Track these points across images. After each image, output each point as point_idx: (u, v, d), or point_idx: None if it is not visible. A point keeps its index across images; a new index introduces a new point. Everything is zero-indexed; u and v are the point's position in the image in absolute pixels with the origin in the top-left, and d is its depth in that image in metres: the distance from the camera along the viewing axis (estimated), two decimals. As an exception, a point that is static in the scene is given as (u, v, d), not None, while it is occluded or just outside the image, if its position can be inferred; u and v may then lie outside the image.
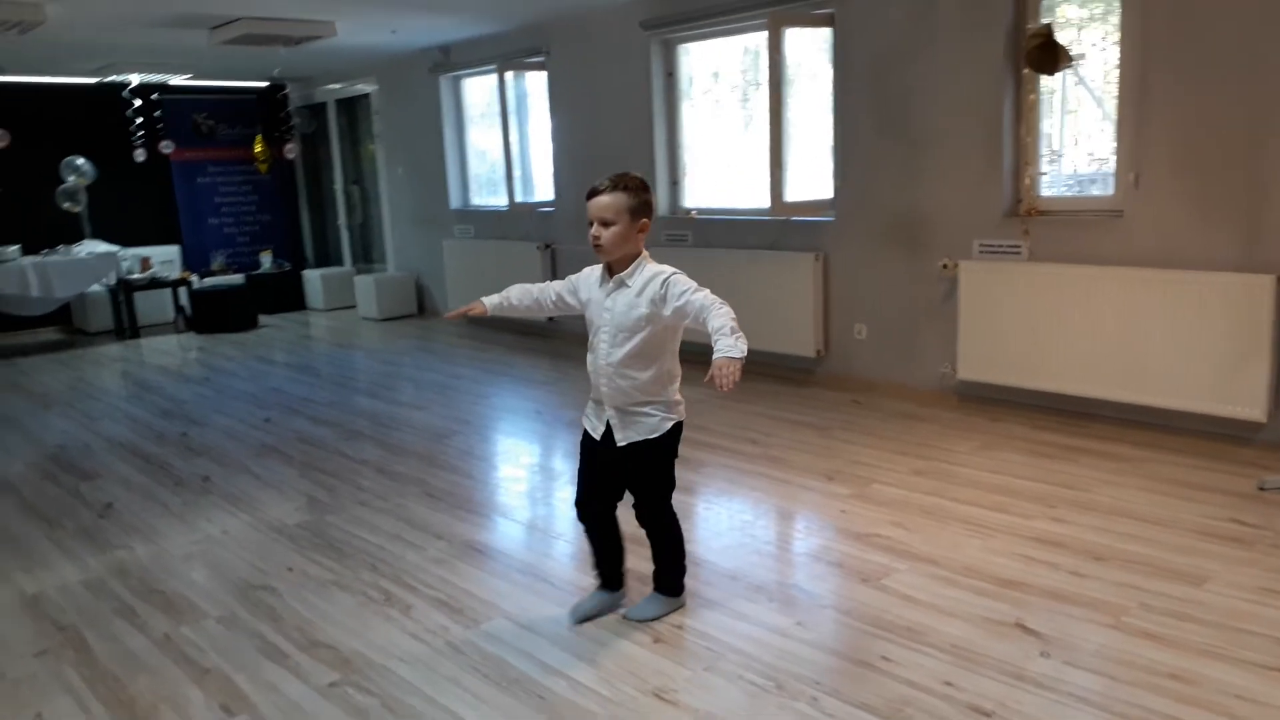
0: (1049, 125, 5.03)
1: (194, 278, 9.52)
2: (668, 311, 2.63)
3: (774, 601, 3.05)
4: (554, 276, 7.78)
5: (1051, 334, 4.78)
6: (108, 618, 3.17)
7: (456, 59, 8.46)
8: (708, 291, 2.60)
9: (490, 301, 2.93)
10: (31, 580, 3.50)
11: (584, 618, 2.94)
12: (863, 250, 5.66)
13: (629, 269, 2.70)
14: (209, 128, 10.40)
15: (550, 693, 2.59)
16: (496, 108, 7.98)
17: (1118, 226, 4.62)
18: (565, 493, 4.29)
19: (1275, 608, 2.85)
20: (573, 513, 4.08)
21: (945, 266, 5.21)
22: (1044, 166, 5.03)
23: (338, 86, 10.18)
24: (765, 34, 5.77)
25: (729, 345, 2.45)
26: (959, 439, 4.65)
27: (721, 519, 3.82)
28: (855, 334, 5.80)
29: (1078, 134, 4.98)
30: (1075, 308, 4.68)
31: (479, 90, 8.74)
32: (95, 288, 9.05)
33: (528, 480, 4.55)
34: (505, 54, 7.81)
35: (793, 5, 5.76)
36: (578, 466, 2.94)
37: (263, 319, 9.70)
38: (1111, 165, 4.75)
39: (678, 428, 2.80)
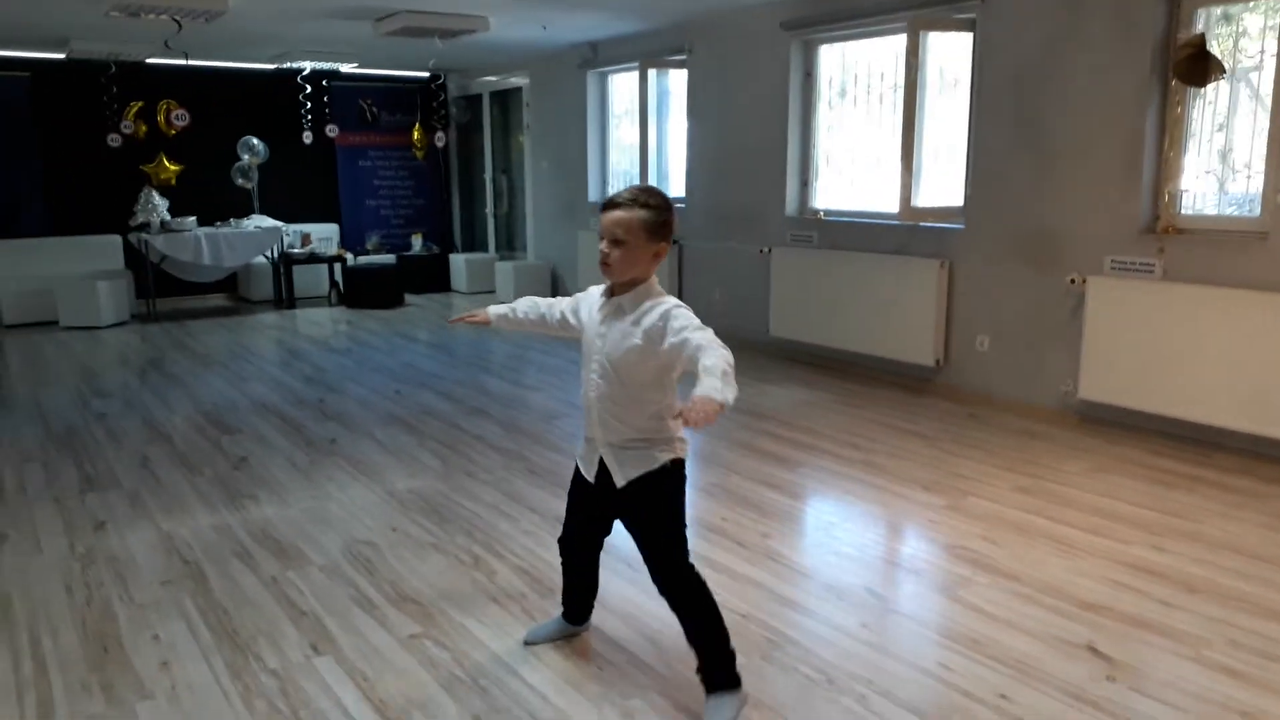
0: (1196, 142, 4.79)
1: (349, 255, 10.11)
2: (664, 346, 2.29)
3: (844, 602, 3.07)
4: (680, 274, 7.91)
5: (1180, 357, 4.57)
6: (226, 558, 3.47)
7: (603, 55, 8.68)
8: (711, 332, 2.25)
9: (495, 312, 2.80)
10: (168, 518, 3.87)
11: (537, 641, 2.84)
12: (990, 260, 5.53)
13: (631, 294, 2.40)
14: (373, 114, 11.00)
15: (609, 664, 2.70)
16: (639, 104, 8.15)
17: (1261, 248, 4.38)
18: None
19: (1378, 658, 2.68)
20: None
21: (1074, 282, 5.04)
22: (1186, 183, 4.79)
23: (493, 79, 10.59)
24: (905, 37, 5.72)
25: (714, 387, 2.05)
26: (1070, 459, 4.51)
27: (806, 518, 3.84)
28: (977, 345, 5.67)
29: (1227, 150, 4.73)
30: (1208, 331, 4.46)
31: (624, 86, 8.94)
32: (259, 259, 9.74)
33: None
34: (648, 51, 7.97)
35: (934, 9, 5.68)
36: (567, 503, 2.74)
37: (409, 298, 10.22)
38: (1259, 185, 4.50)
39: (680, 465, 2.48)
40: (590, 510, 2.64)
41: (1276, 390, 4.24)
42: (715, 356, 2.14)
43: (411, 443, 4.92)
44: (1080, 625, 2.88)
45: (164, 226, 9.01)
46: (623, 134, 9.06)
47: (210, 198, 9.76)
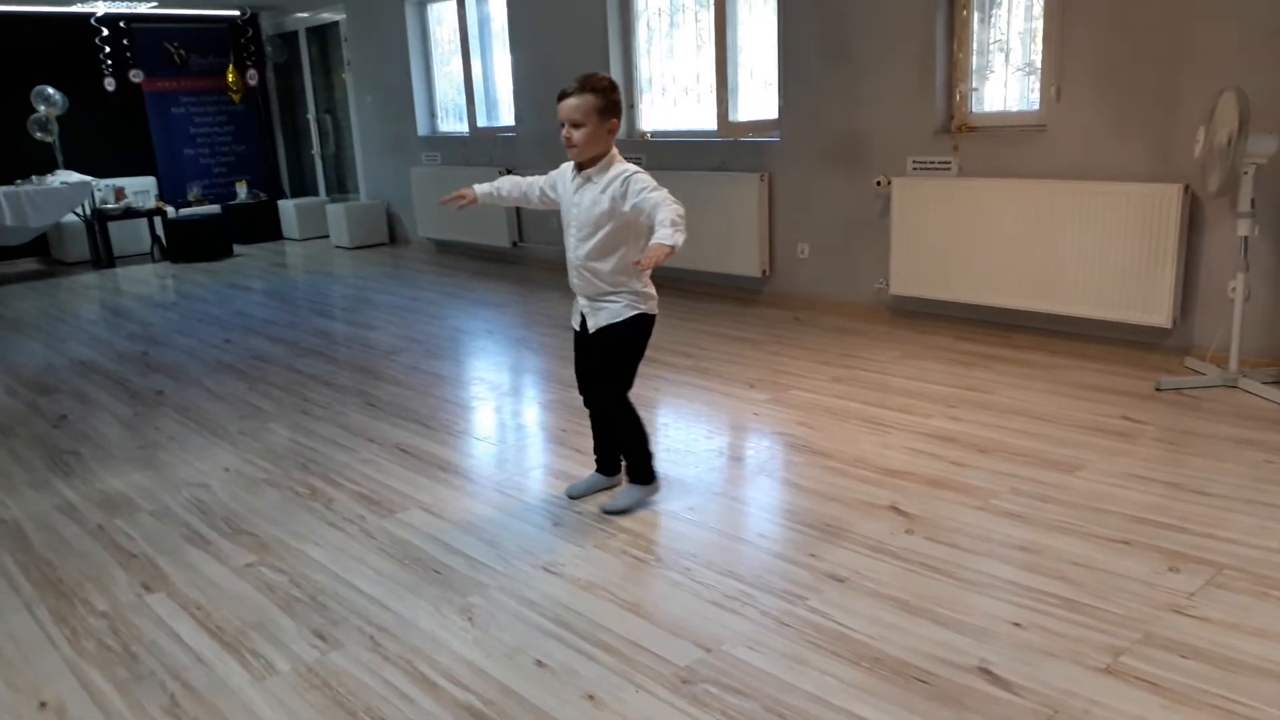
0: (981, 44, 5.08)
1: (169, 208, 9.62)
2: (626, 207, 2.75)
3: (671, 490, 3.24)
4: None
5: (977, 247, 4.91)
6: (47, 512, 3.36)
7: (419, -16, 8.45)
8: (666, 192, 2.70)
9: (481, 189, 3.13)
10: (-19, 481, 3.70)
11: (578, 494, 3.20)
12: (806, 170, 5.76)
13: (596, 166, 2.82)
14: (181, 57, 10.40)
15: (446, 569, 2.79)
16: (459, 34, 8.01)
17: (1042, 140, 4.72)
18: (497, 401, 4.47)
19: (1136, 491, 3.03)
20: (497, 416, 4.28)
21: (880, 184, 5.32)
22: (974, 83, 5.10)
23: (305, 16, 10.16)
24: (711, -47, 5.80)
25: (665, 235, 2.56)
26: (883, 350, 4.81)
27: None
28: (799, 253, 5.92)
29: (1006, 49, 5.04)
30: (999, 221, 4.80)
31: (445, 16, 8.74)
32: (70, 218, 9.16)
33: (465, 391, 4.71)
34: (465, -22, 7.81)
35: (738, -76, 5.78)
36: (575, 358, 3.13)
37: (238, 249, 9.83)
38: (1037, 81, 4.83)
39: (645, 320, 2.94)
40: (585, 355, 3.07)
41: (1061, 270, 4.62)
42: (667, 210, 2.61)
43: (243, 388, 4.81)
44: (884, 490, 3.14)
45: (-45, 188, 8.35)
46: (450, 65, 8.89)
47: (6, 154, 9.08)
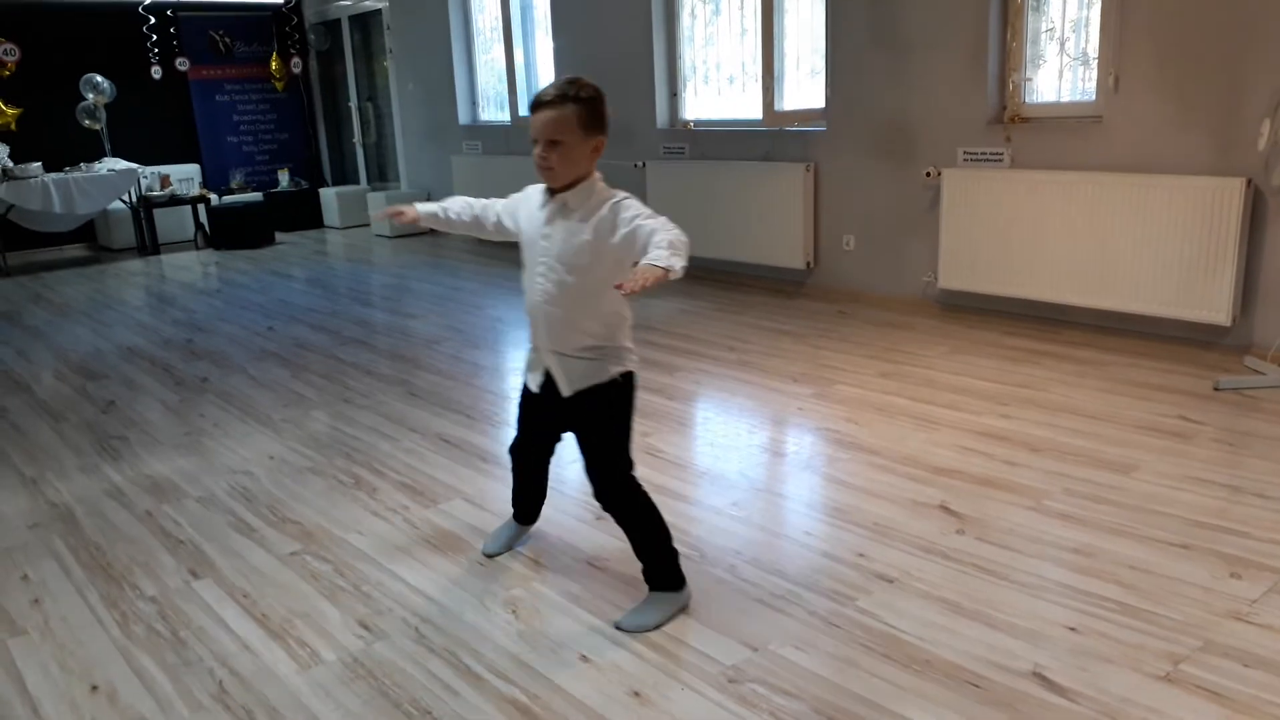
0: (1036, 32, 4.97)
1: (213, 195, 9.72)
2: (615, 239, 2.20)
3: (715, 485, 3.21)
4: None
5: (1029, 241, 4.82)
6: (97, 497, 3.40)
7: (462, -27, 8.44)
8: (665, 219, 2.15)
9: (424, 210, 2.60)
10: (31, 465, 3.75)
11: (497, 551, 2.80)
12: (852, 160, 5.68)
13: (575, 191, 2.27)
14: (226, 46, 10.49)
15: (490, 561, 2.77)
16: (502, 21, 8.00)
17: (1097, 132, 4.61)
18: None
19: (1192, 493, 2.95)
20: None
21: (929, 175, 5.23)
22: (1029, 73, 4.99)
23: (349, 3, 10.20)
24: (758, -59, 5.73)
25: (660, 256, 1.99)
26: (931, 344, 4.74)
27: (683, 416, 3.96)
28: (844, 245, 5.85)
29: (1061, 37, 4.93)
30: (1052, 214, 4.70)
31: (488, 3, 8.73)
32: (117, 205, 9.28)
33: (505, 382, 4.71)
34: (508, -34, 7.79)
35: (785, -90, 5.70)
36: (518, 412, 2.67)
37: (280, 236, 9.91)
38: (1094, 71, 4.72)
39: (629, 380, 2.38)
40: (539, 420, 2.57)
41: (1114, 265, 4.52)
42: (666, 233, 2.08)
43: (286, 375, 4.84)
44: (933, 489, 3.08)
45: (6, 174, 8.48)
46: (492, 54, 8.88)
47: (56, 142, 9.22)
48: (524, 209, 2.43)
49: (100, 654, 2.39)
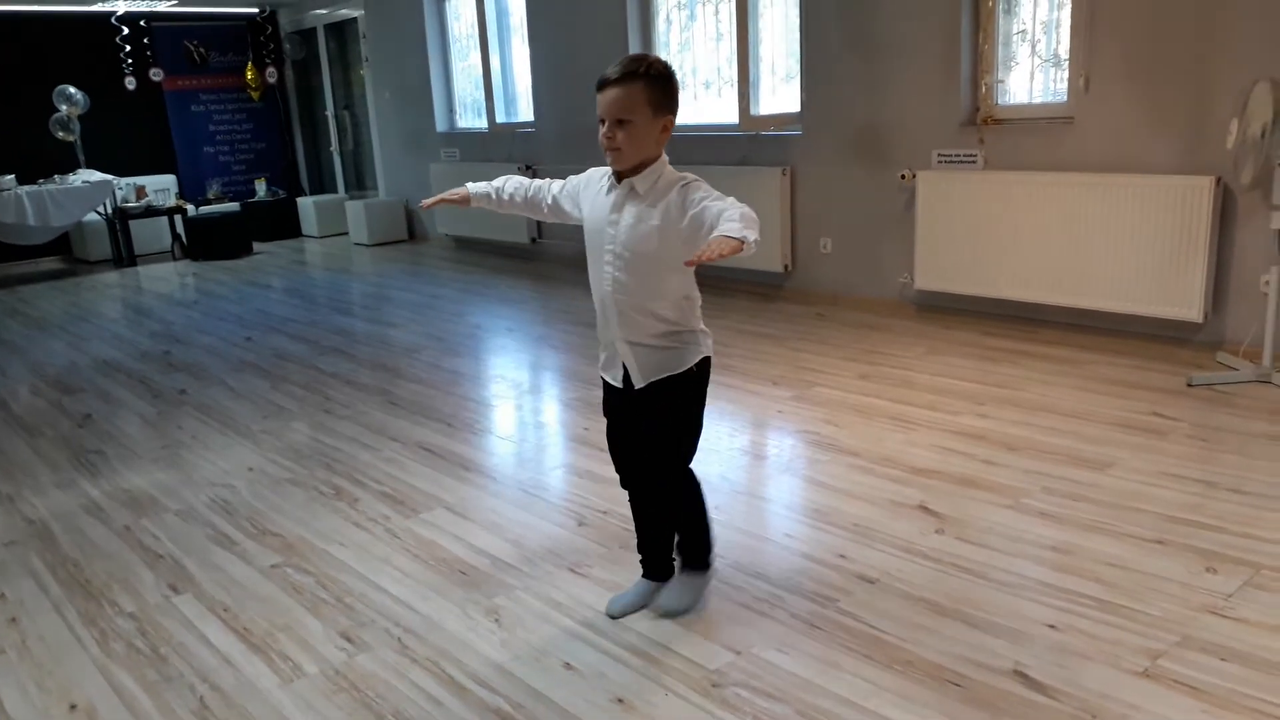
0: (1007, 35, 5.02)
1: (189, 206, 9.66)
2: (684, 223, 2.11)
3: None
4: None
5: (1003, 241, 4.86)
6: (74, 513, 3.37)
7: (437, -20, 8.43)
8: (733, 199, 2.06)
9: (476, 189, 2.50)
10: (6, 481, 3.71)
11: (623, 613, 2.47)
12: (828, 164, 5.71)
13: (643, 175, 2.18)
14: (200, 55, 10.43)
15: (473, 570, 2.77)
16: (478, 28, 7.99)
17: (1069, 132, 4.66)
18: (518, 400, 4.45)
19: (1169, 489, 2.99)
20: (518, 415, 4.25)
21: (904, 177, 5.27)
22: (1001, 74, 5.04)
23: (324, 12, 10.17)
24: (731, -54, 5.76)
25: (733, 228, 1.92)
26: (908, 345, 4.77)
27: (665, 420, 3.97)
28: (821, 248, 5.87)
29: (1032, 40, 4.98)
30: (1026, 215, 4.74)
31: (464, 10, 8.72)
32: (92, 216, 9.21)
33: (486, 390, 4.70)
34: (483, -27, 7.79)
35: (758, -84, 5.73)
36: (607, 427, 2.46)
37: (257, 246, 9.86)
38: (1065, 72, 4.77)
39: (706, 364, 2.30)
40: (627, 421, 2.38)
41: (1088, 264, 4.56)
42: (735, 208, 2.00)
43: (265, 386, 4.82)
44: (913, 489, 3.10)
45: (-21, 187, 8.40)
46: (469, 60, 8.87)
47: (29, 154, 9.13)
48: (587, 194, 2.34)
49: (79, 672, 2.37)
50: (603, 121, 2.14)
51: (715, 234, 1.93)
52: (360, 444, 3.89)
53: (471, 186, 2.52)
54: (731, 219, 1.95)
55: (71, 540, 3.14)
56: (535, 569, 2.75)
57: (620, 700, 2.12)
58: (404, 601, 2.61)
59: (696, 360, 2.27)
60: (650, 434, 2.33)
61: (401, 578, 2.75)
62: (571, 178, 2.40)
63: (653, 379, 2.27)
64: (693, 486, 2.42)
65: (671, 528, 2.48)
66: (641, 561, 2.53)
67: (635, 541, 2.54)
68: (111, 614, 2.64)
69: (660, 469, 2.36)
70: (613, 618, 2.46)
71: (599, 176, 2.30)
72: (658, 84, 2.13)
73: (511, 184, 2.49)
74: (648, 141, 2.15)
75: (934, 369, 4.36)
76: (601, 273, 2.26)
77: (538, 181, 2.49)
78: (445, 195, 2.51)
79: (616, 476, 2.48)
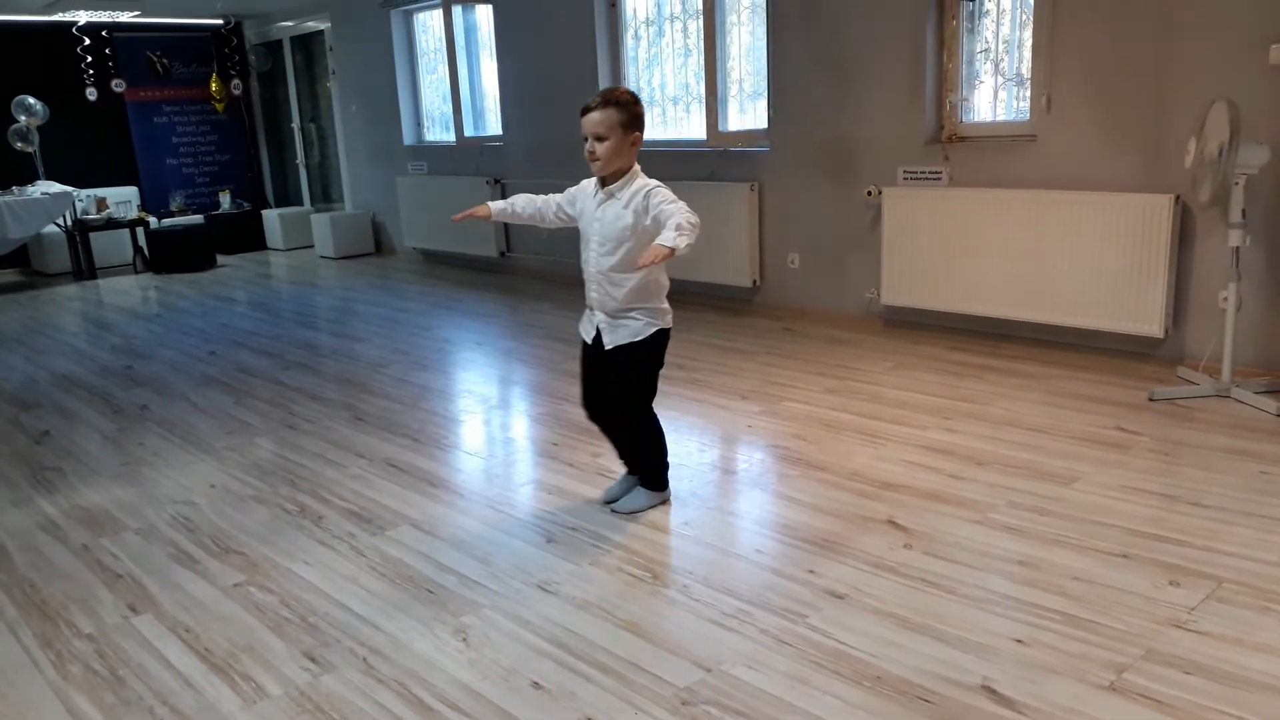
0: (971, 53, 5.09)
1: (152, 218, 9.53)
2: (648, 221, 2.79)
3: (666, 505, 3.20)
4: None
5: (968, 258, 4.91)
6: (30, 532, 3.30)
7: (405, -7, 8.42)
8: (683, 204, 2.73)
9: (496, 206, 3.13)
10: (-39, 499, 3.63)
11: (612, 499, 3.18)
12: (796, 180, 5.75)
13: (619, 182, 2.86)
14: (163, 66, 10.32)
15: (440, 588, 2.74)
16: (445, 42, 7.98)
17: (1032, 150, 4.73)
18: (486, 414, 4.43)
19: (1132, 503, 3.02)
20: (486, 430, 4.24)
21: (870, 194, 5.31)
22: (965, 93, 5.10)
23: (290, 24, 10.11)
24: (700, -37, 5.80)
25: (668, 237, 2.59)
26: (876, 360, 4.80)
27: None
28: (789, 263, 5.91)
29: (995, 59, 5.05)
30: (990, 231, 4.80)
31: (432, 24, 8.71)
32: (51, 229, 9.06)
33: (454, 404, 4.67)
34: (451, -13, 7.78)
35: (726, -66, 5.77)
36: (580, 369, 3.13)
37: (221, 259, 9.75)
38: (1028, 91, 4.83)
39: (662, 335, 2.98)
40: (594, 369, 3.07)
41: (1051, 280, 4.62)
42: (678, 216, 2.65)
43: (229, 401, 4.75)
44: (880, 504, 3.11)
45: (-66, 198, 8.24)
46: (437, 73, 8.85)
47: (-14, 165, 8.99)
48: (580, 197, 3.01)
49: (35, 696, 2.31)
50: (585, 139, 2.84)
51: (656, 242, 2.61)
52: (325, 460, 3.84)
53: (492, 205, 3.15)
54: (669, 228, 2.62)
55: (28, 560, 3.07)
56: (503, 586, 2.73)
57: (589, 719, 2.10)
58: (369, 621, 2.58)
59: (653, 332, 2.95)
60: (614, 385, 3.03)
61: (367, 596, 2.71)
62: (570, 189, 3.06)
63: (619, 343, 2.96)
64: (652, 423, 3.10)
65: (637, 447, 3.14)
66: (622, 461, 3.25)
67: (622, 459, 3.26)
68: (69, 635, 2.59)
69: (626, 411, 3.07)
70: (607, 504, 3.16)
71: (589, 184, 2.99)
72: (626, 108, 2.82)
73: (522, 200, 3.16)
74: (621, 152, 2.83)
75: (901, 384, 4.39)
76: (589, 257, 2.97)
77: (543, 196, 3.12)
78: (473, 210, 3.10)
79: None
